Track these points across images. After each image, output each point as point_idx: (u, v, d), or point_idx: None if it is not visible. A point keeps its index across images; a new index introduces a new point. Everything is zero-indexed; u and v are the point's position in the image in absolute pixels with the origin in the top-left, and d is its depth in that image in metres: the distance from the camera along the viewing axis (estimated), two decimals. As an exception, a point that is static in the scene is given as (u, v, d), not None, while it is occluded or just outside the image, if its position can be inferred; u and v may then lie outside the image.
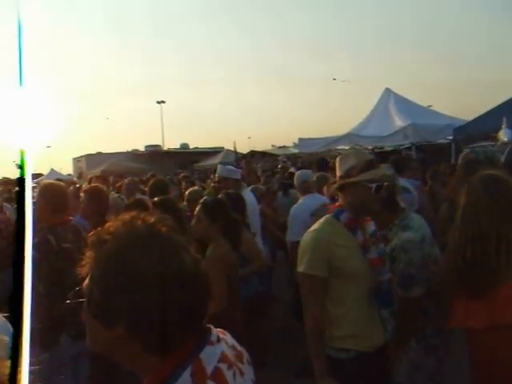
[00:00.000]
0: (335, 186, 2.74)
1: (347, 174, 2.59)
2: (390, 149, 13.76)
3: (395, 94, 14.73)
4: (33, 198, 3.83)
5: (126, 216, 1.16)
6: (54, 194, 3.82)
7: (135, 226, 1.13)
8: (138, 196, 6.49)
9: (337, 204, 2.73)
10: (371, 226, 2.73)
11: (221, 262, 3.42)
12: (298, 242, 5.06)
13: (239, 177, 5.80)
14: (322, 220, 2.72)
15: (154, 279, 1.05)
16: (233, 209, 4.02)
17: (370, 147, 13.38)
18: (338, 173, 2.68)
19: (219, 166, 6.22)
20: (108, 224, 1.15)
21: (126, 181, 8.11)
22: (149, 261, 1.06)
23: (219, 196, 4.44)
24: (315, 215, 5.03)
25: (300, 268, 2.60)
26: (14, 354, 0.49)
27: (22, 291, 0.49)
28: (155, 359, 1.09)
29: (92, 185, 5.03)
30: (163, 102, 49.99)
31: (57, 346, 3.38)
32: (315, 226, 2.72)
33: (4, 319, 1.46)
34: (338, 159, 2.74)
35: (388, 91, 14.86)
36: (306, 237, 2.68)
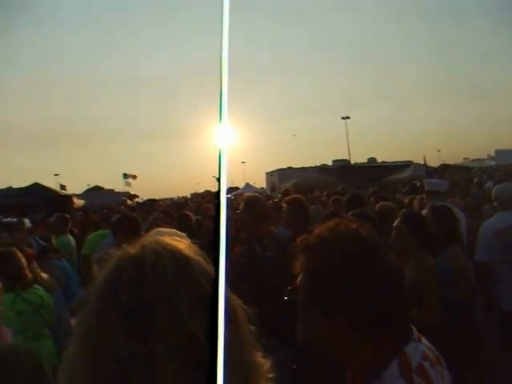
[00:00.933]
0: None
1: None
2: None
3: None
4: (238, 209, 4.17)
5: (331, 223, 1.33)
6: (258, 206, 4.10)
7: (340, 230, 1.28)
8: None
9: None
10: None
11: (431, 274, 3.27)
12: (481, 263, 4.63)
13: (445, 189, 5.52)
14: None
15: (365, 275, 1.17)
16: (440, 223, 3.81)
17: None
18: None
19: (425, 180, 6.04)
20: (316, 230, 1.32)
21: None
22: (357, 259, 1.19)
23: (426, 209, 4.26)
24: (500, 234, 4.50)
25: None
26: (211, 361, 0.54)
27: (217, 300, 0.53)
28: (367, 349, 1.19)
29: (293, 196, 5.26)
30: (348, 117, 50.24)
31: (264, 349, 3.57)
32: None
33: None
34: None
35: None
36: None
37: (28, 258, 3.95)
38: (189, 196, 40.35)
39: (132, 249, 0.77)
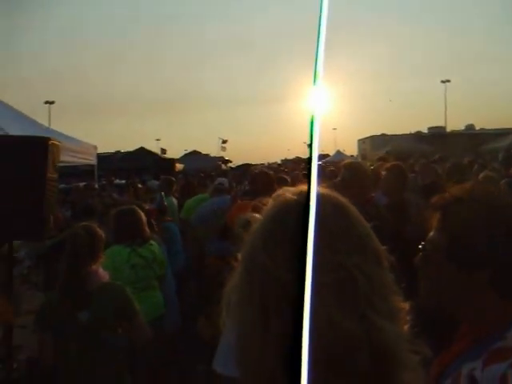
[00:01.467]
0: None
1: None
2: None
3: None
4: (330, 177, 4.14)
5: (466, 185, 1.36)
6: (360, 172, 4.07)
7: (478, 190, 1.32)
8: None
9: None
10: None
11: None
12: None
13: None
14: None
15: (507, 232, 1.19)
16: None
17: None
18: None
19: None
20: (451, 190, 1.35)
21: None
22: (499, 216, 1.22)
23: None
24: None
25: None
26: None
27: (305, 266, 0.50)
28: (499, 308, 1.19)
29: (394, 163, 5.16)
30: (448, 81, 47.41)
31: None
32: None
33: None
34: None
35: None
36: None
37: (150, 213, 4.25)
38: (279, 162, 40.47)
39: (291, 194, 0.83)
